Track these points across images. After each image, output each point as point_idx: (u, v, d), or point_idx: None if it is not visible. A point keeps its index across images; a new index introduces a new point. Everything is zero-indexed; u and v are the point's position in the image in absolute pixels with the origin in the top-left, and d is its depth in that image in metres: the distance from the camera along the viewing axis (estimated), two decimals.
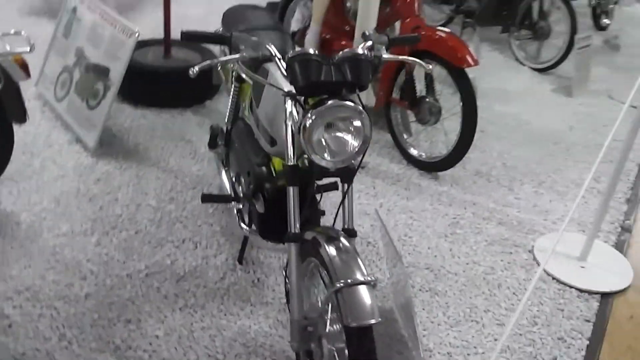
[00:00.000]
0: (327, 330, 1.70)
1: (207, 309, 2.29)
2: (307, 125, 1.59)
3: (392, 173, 3.33)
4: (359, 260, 1.62)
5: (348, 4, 3.89)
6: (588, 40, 4.69)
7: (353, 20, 3.87)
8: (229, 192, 2.51)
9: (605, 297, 2.58)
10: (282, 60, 1.74)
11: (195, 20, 5.02)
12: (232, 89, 2.52)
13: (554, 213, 3.14)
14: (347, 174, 1.77)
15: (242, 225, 2.34)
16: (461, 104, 3.08)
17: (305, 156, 1.77)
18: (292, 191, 1.76)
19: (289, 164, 1.75)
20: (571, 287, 2.60)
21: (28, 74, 2.57)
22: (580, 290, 2.59)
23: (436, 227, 2.91)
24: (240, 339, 2.18)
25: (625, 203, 3.30)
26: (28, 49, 2.45)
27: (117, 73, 3.19)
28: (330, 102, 1.59)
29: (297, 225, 1.76)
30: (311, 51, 1.62)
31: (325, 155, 1.63)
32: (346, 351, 1.58)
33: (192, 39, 1.82)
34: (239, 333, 2.20)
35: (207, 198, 2.40)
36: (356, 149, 1.65)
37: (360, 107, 1.61)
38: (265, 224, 2.11)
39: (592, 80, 4.87)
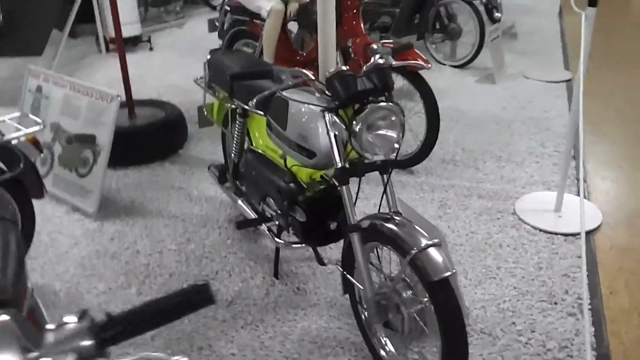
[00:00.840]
0: (403, 296, 1.99)
1: (267, 322, 2.51)
2: (357, 130, 1.90)
3: (374, 177, 3.66)
4: (419, 228, 1.93)
5: (293, 36, 4.25)
6: (497, 32, 5.31)
7: (300, 49, 4.24)
8: (254, 216, 2.75)
9: (585, 235, 3.02)
10: (317, 82, 2.05)
11: (137, 81, 5.20)
12: (237, 125, 2.78)
13: (520, 180, 3.59)
14: (384, 166, 2.09)
15: (277, 240, 2.59)
16: (423, 102, 3.48)
17: (353, 156, 2.07)
18: (344, 190, 2.05)
19: (337, 167, 2.05)
20: (556, 234, 3.03)
21: (41, 150, 2.72)
22: (565, 235, 3.02)
23: (429, 212, 3.27)
24: (306, 337, 2.42)
25: (572, 159, 3.81)
26: (40, 127, 2.61)
27: (105, 137, 3.35)
28: (369, 106, 1.91)
29: (355, 217, 2.05)
30: (344, 68, 1.94)
31: (377, 150, 1.94)
32: (431, 307, 1.87)
33: (242, 78, 2.09)
34: (304, 333, 2.44)
35: (242, 225, 2.64)
36: (397, 142, 1.97)
37: (394, 105, 1.94)
38: (308, 231, 2.37)
39: (507, 66, 5.49)
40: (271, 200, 2.57)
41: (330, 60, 3.10)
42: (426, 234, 1.91)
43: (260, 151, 2.71)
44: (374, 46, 2.11)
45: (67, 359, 0.75)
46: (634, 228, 3.09)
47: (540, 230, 3.06)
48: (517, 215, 3.20)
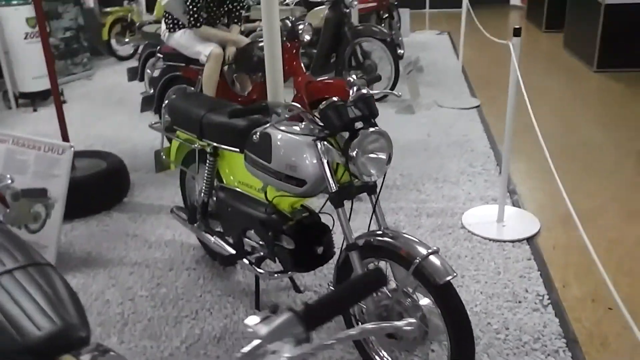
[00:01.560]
0: (405, 305, 2.14)
1: None
2: (354, 154, 2.07)
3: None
4: (417, 239, 2.11)
5: (231, 78, 4.38)
6: (411, 65, 5.71)
7: (238, 91, 4.37)
8: (232, 252, 2.81)
9: (530, 240, 3.34)
10: (308, 113, 2.19)
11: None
12: (207, 164, 2.85)
13: (459, 197, 3.89)
14: (373, 187, 2.26)
15: (259, 270, 2.67)
16: None
17: (344, 180, 2.22)
18: (340, 212, 2.20)
19: (332, 191, 2.19)
20: (504, 241, 3.32)
21: (7, 206, 2.64)
22: (512, 241, 3.32)
23: None
24: None
25: (499, 175, 4.18)
26: (10, 181, 2.55)
27: (59, 190, 3.28)
28: (361, 132, 2.08)
29: (352, 237, 2.19)
30: (334, 99, 2.11)
31: (372, 171, 2.11)
32: (435, 311, 2.04)
33: (240, 114, 2.19)
34: None
35: (225, 260, 2.69)
36: (386, 163, 2.15)
37: (382, 130, 2.12)
38: (297, 257, 2.47)
39: (421, 96, 5.90)
40: (253, 232, 2.65)
41: (278, 97, 3.27)
42: (423, 244, 2.09)
43: (233, 188, 2.79)
44: (351, 79, 2.30)
45: (286, 345, 0.83)
46: (568, 228, 3.45)
47: (490, 239, 3.34)
48: (466, 229, 3.47)
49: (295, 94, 3.86)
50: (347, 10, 5.77)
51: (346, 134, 2.14)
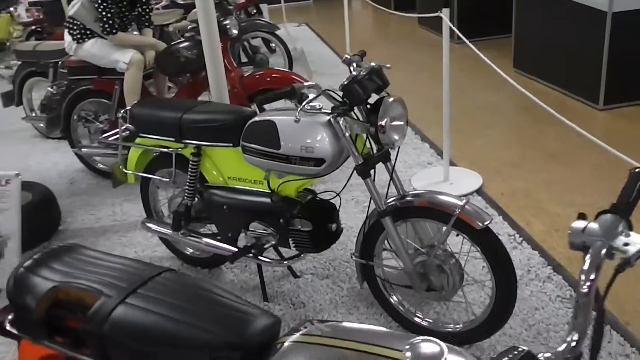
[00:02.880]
0: (442, 257, 2.30)
1: None
2: (384, 123, 2.17)
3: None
4: (446, 193, 2.27)
5: (152, 90, 4.21)
6: (300, 54, 5.86)
7: (160, 94, 4.22)
8: (232, 249, 2.77)
9: (479, 192, 3.66)
10: (328, 90, 2.24)
11: None
12: (190, 166, 2.76)
13: (398, 165, 4.12)
14: (387, 156, 2.37)
15: (265, 259, 2.67)
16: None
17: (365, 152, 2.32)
18: (369, 181, 2.29)
19: (358, 163, 2.27)
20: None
21: None
22: (465, 195, 3.61)
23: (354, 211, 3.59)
24: None
25: (422, 143, 4.48)
26: None
27: (11, 224, 2.99)
28: (385, 100, 2.19)
29: (383, 203, 2.30)
30: (354, 73, 2.19)
31: (396, 136, 2.22)
32: (461, 261, 2.22)
33: (268, 101, 2.17)
34: None
35: (233, 257, 2.65)
36: (405, 129, 2.28)
37: (399, 97, 2.25)
38: (315, 238, 2.52)
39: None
40: (259, 224, 2.64)
41: (223, 94, 3.26)
42: (453, 196, 2.26)
43: (224, 185, 2.75)
44: (347, 56, 2.39)
45: None
46: (504, 176, 3.82)
47: None
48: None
49: (229, 89, 3.82)
50: (231, 7, 5.76)
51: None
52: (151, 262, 3.19)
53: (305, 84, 2.24)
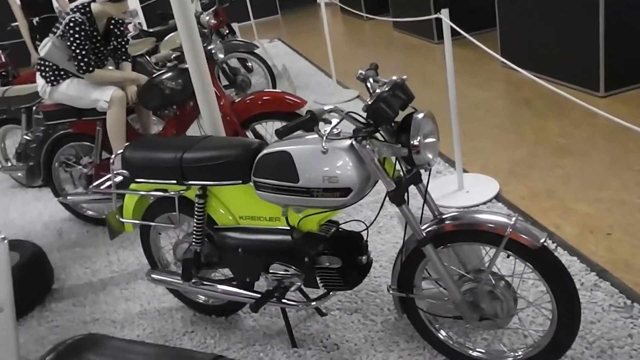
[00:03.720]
0: (495, 282, 2.07)
1: None
2: (417, 142, 1.94)
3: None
4: (491, 211, 2.05)
5: (137, 127, 3.95)
6: (285, 69, 5.63)
7: (145, 130, 3.96)
8: (251, 294, 2.52)
9: (498, 198, 3.45)
10: (351, 113, 2.01)
11: None
12: (196, 208, 2.51)
13: None
14: (418, 177, 2.15)
15: (290, 302, 2.43)
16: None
17: (395, 176, 2.09)
18: (405, 208, 2.06)
19: (391, 189, 2.04)
20: (478, 205, 3.40)
21: None
22: (484, 203, 3.41)
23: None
24: None
25: None
26: None
27: (1, 292, 2.69)
28: (415, 117, 1.97)
29: (421, 232, 2.07)
30: (378, 91, 1.96)
31: (430, 155, 2.00)
32: (516, 284, 1.99)
33: (289, 132, 1.92)
34: None
35: (257, 305, 2.40)
36: (438, 144, 2.06)
37: (430, 112, 2.02)
38: (347, 274, 2.28)
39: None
40: (280, 265, 2.40)
41: (217, 125, 3.02)
42: (500, 214, 2.04)
43: (237, 226, 2.50)
44: (362, 72, 2.16)
45: None
46: (520, 177, 3.63)
47: (465, 207, 3.39)
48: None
49: (225, 118, 3.58)
50: (205, 31, 5.52)
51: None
52: (162, 315, 2.92)
53: (325, 108, 2.00)
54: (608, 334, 2.32)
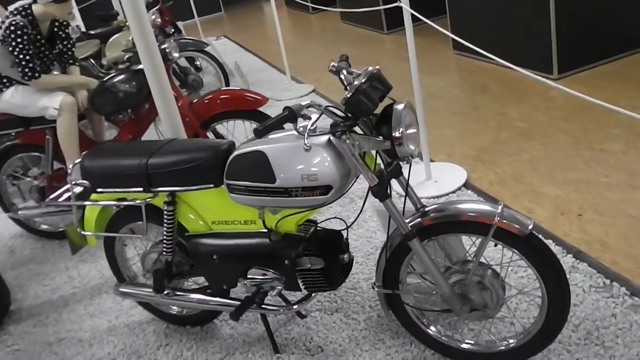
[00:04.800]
0: (483, 271, 2.03)
1: None
2: (399, 134, 1.87)
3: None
4: (476, 200, 2.00)
5: (89, 133, 3.76)
6: (239, 68, 5.50)
7: (97, 138, 3.79)
8: (227, 302, 2.42)
9: (467, 186, 3.44)
10: (330, 107, 1.92)
11: None
12: (166, 216, 2.38)
13: None
14: (398, 170, 2.08)
15: (271, 307, 2.35)
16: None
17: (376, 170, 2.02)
18: (389, 203, 1.99)
19: (373, 184, 1.97)
20: (448, 194, 3.37)
21: None
22: (454, 192, 3.38)
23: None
24: None
25: None
26: None
27: None
28: (396, 108, 1.90)
29: (407, 226, 2.00)
30: (356, 83, 1.88)
31: (412, 146, 1.93)
32: (502, 273, 1.96)
33: (268, 130, 1.82)
34: None
35: (237, 313, 2.29)
36: (419, 135, 2.00)
37: (408, 102, 1.96)
38: (330, 274, 2.20)
39: None
40: (259, 269, 2.29)
41: (176, 126, 2.89)
42: (485, 203, 2.00)
43: (210, 232, 2.38)
44: (335, 64, 2.08)
45: None
46: (487, 163, 3.62)
47: (436, 197, 3.36)
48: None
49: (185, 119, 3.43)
50: (154, 30, 5.32)
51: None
52: (132, 329, 2.77)
53: (303, 103, 1.91)
54: (592, 315, 2.32)
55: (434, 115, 4.53)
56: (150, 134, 3.88)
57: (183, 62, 6.50)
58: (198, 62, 7.13)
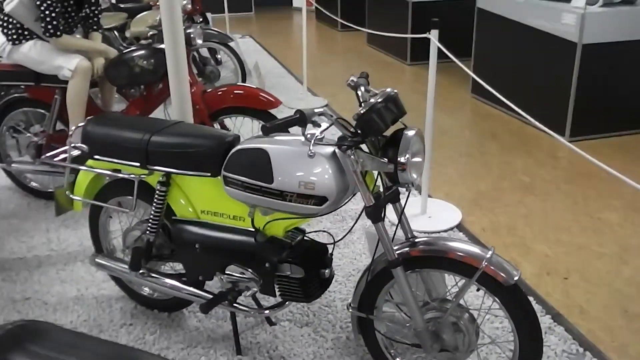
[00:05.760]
0: (457, 312, 2.01)
1: None
2: (404, 160, 1.86)
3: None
4: (467, 241, 1.99)
5: (98, 102, 3.74)
6: (258, 68, 5.50)
7: (105, 107, 3.77)
8: (202, 294, 2.39)
9: (459, 227, 3.42)
10: (340, 120, 1.91)
11: None
12: (156, 196, 2.36)
13: None
14: (396, 196, 2.07)
15: (242, 307, 2.32)
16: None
17: (375, 191, 2.00)
18: (381, 227, 1.97)
19: (369, 204, 1.95)
20: (439, 232, 3.35)
21: None
22: (445, 231, 3.37)
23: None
24: None
25: None
26: None
27: None
28: (406, 134, 1.89)
29: (394, 253, 1.98)
30: (372, 101, 1.87)
31: (414, 175, 1.92)
32: (479, 319, 1.94)
33: (274, 129, 1.81)
34: None
35: (207, 306, 2.26)
36: (423, 165, 1.98)
37: (420, 130, 1.95)
38: (307, 286, 2.17)
39: None
40: (238, 267, 2.27)
41: (186, 112, 2.89)
42: (476, 245, 1.98)
43: (197, 220, 2.36)
44: (354, 79, 2.08)
45: None
46: (484, 209, 3.61)
47: (426, 232, 3.34)
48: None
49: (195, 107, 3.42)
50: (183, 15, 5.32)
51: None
52: (100, 303, 2.71)
53: (316, 110, 1.89)
54: None
55: (440, 152, 4.53)
56: (158, 115, 3.86)
57: (205, 53, 6.49)
58: (219, 56, 7.13)
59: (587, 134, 4.65)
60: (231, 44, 5.60)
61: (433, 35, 3.16)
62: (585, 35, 4.36)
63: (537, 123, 2.69)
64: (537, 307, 2.71)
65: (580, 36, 4.35)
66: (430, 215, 3.51)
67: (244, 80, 5.53)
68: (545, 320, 2.62)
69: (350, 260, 3.09)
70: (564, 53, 4.51)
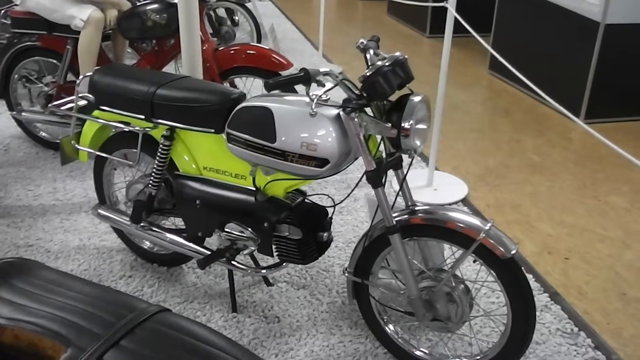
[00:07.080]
0: (452, 283, 2.01)
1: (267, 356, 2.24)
2: (408, 126, 1.84)
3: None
4: (468, 212, 1.98)
5: (110, 56, 3.73)
6: (274, 31, 5.45)
7: (115, 60, 3.76)
8: (201, 250, 2.40)
9: (464, 202, 3.40)
10: (346, 81, 1.89)
11: None
12: (159, 150, 2.36)
13: None
14: (398, 162, 2.06)
15: (240, 265, 2.33)
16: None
17: (377, 156, 1.99)
18: (380, 192, 1.96)
19: (370, 169, 1.94)
20: (443, 205, 3.34)
21: None
22: (450, 204, 3.35)
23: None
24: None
25: None
26: None
27: None
28: (411, 99, 1.86)
29: (392, 219, 1.98)
30: (379, 64, 1.84)
31: (418, 142, 1.90)
32: (473, 291, 1.93)
33: (279, 86, 1.79)
34: None
35: (205, 262, 2.27)
36: (427, 132, 1.96)
37: (426, 97, 1.92)
38: (305, 248, 2.18)
39: None
40: (237, 225, 2.28)
41: (196, 68, 2.86)
42: (476, 217, 1.97)
43: (199, 176, 2.36)
44: (363, 41, 2.04)
45: None
46: (490, 186, 3.59)
47: (431, 204, 3.32)
48: None
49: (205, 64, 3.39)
50: None
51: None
52: (101, 253, 2.76)
53: (321, 69, 1.87)
54: (551, 357, 2.29)
55: (451, 126, 4.48)
56: (169, 70, 3.84)
57: (222, 13, 6.43)
58: (237, 18, 7.07)
59: (602, 117, 4.57)
60: (248, 5, 5.53)
61: (450, 4, 3.10)
62: (609, 15, 4.25)
63: (553, 102, 2.63)
64: (535, 284, 2.71)
65: (604, 15, 4.25)
66: (435, 187, 3.50)
67: (258, 42, 5.48)
68: (542, 298, 2.62)
69: (352, 227, 3.09)
70: (585, 32, 4.42)
